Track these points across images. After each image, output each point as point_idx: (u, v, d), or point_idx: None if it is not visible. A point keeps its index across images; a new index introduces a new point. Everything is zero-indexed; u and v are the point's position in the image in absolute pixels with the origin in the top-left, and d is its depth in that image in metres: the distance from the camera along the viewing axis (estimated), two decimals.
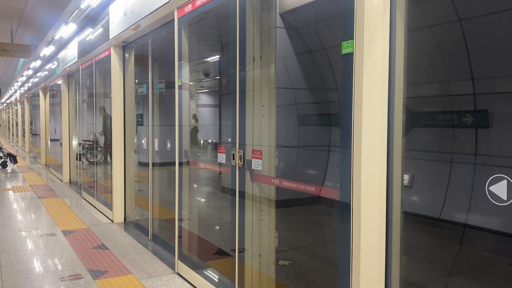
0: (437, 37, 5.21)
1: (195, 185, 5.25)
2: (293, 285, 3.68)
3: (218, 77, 10.18)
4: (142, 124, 5.95)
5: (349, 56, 2.15)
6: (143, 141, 5.61)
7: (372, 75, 2.11)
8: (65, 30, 7.99)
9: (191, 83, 6.09)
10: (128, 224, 6.08)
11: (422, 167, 5.51)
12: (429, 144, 5.48)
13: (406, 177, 5.89)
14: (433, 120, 5.68)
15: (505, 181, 1.75)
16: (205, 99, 18.92)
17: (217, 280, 3.51)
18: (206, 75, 11.80)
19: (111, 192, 6.27)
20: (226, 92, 3.72)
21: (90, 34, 7.28)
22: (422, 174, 5.57)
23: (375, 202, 2.13)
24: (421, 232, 5.07)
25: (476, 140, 5.07)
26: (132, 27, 5.01)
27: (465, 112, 5.42)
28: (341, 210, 2.24)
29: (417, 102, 5.50)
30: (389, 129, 2.16)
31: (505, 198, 1.75)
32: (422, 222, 5.30)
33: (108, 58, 6.31)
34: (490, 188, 1.80)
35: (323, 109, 6.19)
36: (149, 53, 5.31)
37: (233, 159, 3.14)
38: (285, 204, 5.30)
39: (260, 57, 3.15)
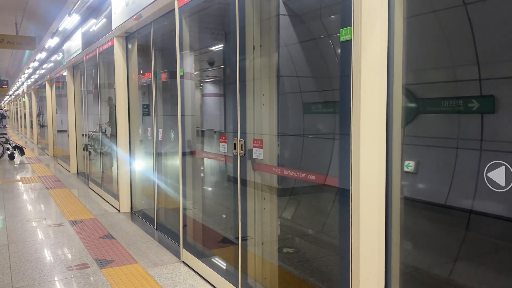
0: (442, 22, 5.14)
1: (201, 175, 5.27)
2: (297, 272, 3.71)
3: (222, 66, 10.15)
4: (148, 114, 5.97)
5: (348, 43, 2.14)
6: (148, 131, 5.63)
7: (370, 62, 2.10)
8: (69, 21, 8.00)
9: (196, 73, 6.08)
10: (134, 213, 6.14)
11: (428, 154, 5.48)
12: (435, 130, 5.45)
13: (411, 163, 5.87)
14: (439, 106, 5.63)
15: (503, 167, 1.74)
16: (210, 88, 18.91)
17: (221, 268, 3.55)
18: (211, 64, 11.77)
19: (118, 182, 6.32)
20: (229, 81, 3.72)
21: (94, 25, 7.29)
22: (427, 160, 5.54)
23: (374, 189, 2.13)
24: (427, 219, 5.06)
25: (482, 125, 5.02)
26: (134, 17, 5.00)
27: (471, 97, 5.36)
28: (345, 198, 2.24)
29: (423, 88, 5.46)
30: (388, 116, 2.15)
31: (503, 184, 1.74)
32: (428, 209, 5.29)
33: (111, 49, 6.31)
34: (489, 174, 1.79)
35: (328, 96, 6.16)
36: (151, 43, 5.30)
37: (235, 149, 3.15)
38: (290, 192, 5.31)
39: (261, 46, 3.14)
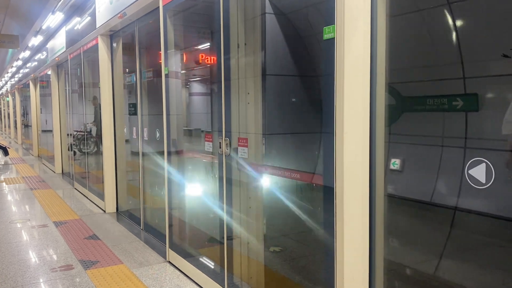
0: (426, 21, 5.18)
1: (188, 174, 5.24)
2: (283, 271, 3.71)
3: (209, 65, 10.11)
4: (135, 114, 5.92)
5: (331, 42, 2.14)
6: (134, 131, 5.58)
7: (354, 60, 2.10)
8: (52, 19, 7.89)
9: (182, 72, 6.02)
10: (120, 214, 6.08)
11: (413, 152, 5.52)
12: (420, 129, 5.49)
13: (397, 161, 5.91)
14: (424, 104, 5.68)
15: (483, 165, 1.75)
16: (197, 87, 18.83)
17: (207, 268, 3.53)
18: (198, 63, 11.73)
19: (103, 182, 6.25)
20: (215, 80, 3.71)
21: (78, 23, 7.19)
22: (413, 158, 5.59)
23: (358, 187, 2.13)
24: (412, 216, 5.11)
25: (466, 123, 5.08)
26: (118, 15, 4.95)
27: (455, 96, 5.41)
28: (329, 196, 2.24)
29: (408, 86, 5.49)
30: (371, 115, 2.16)
31: (483, 181, 1.76)
32: (414, 206, 5.34)
33: (96, 47, 6.24)
34: (470, 171, 1.81)
35: (315, 95, 6.17)
36: (136, 41, 5.25)
37: (220, 147, 3.14)
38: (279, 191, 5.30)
39: (245, 44, 3.12)
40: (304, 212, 4.85)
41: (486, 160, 1.74)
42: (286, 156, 5.24)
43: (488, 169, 1.75)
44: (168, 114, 4.02)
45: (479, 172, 1.79)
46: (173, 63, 4.14)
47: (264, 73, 5.14)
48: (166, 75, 3.98)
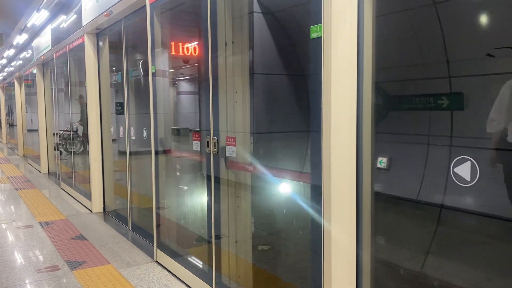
0: (412, 21, 5.22)
1: (175, 173, 5.22)
2: (271, 270, 3.72)
3: (197, 64, 10.07)
4: (122, 113, 5.87)
5: (318, 40, 2.14)
6: (120, 130, 5.54)
7: (340, 59, 2.11)
8: (37, 17, 7.78)
9: (170, 70, 5.99)
10: (107, 214, 6.03)
11: (400, 150, 5.57)
12: (407, 127, 5.54)
13: (384, 159, 5.96)
14: (411, 103, 5.72)
15: (468, 163, 1.77)
16: (186, 86, 18.74)
17: (195, 267, 3.52)
18: (186, 61, 11.67)
19: (90, 182, 6.19)
20: (203, 79, 3.70)
21: (63, 21, 7.11)
22: (400, 156, 5.63)
23: (345, 185, 2.14)
24: (399, 214, 5.15)
25: (452, 122, 5.13)
26: (105, 13, 4.90)
27: (441, 95, 5.47)
28: (316, 194, 2.25)
29: (395, 85, 5.53)
30: (358, 113, 2.17)
31: (468, 179, 1.78)
32: (401, 204, 5.39)
33: (82, 46, 6.17)
34: (455, 169, 1.83)
35: (303, 94, 6.18)
36: (123, 40, 5.21)
37: (208, 146, 3.13)
38: (269, 189, 5.30)
39: (233, 42, 3.12)
40: (292, 211, 4.86)
41: (470, 158, 1.77)
42: (274, 155, 5.24)
43: (473, 167, 1.78)
44: (155, 113, 4.00)
45: (464, 170, 1.82)
46: (160, 61, 4.12)
47: (252, 72, 5.14)
48: (153, 74, 3.96)
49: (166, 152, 4.37)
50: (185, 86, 18.42)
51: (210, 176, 3.14)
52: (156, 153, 4.07)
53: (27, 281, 3.65)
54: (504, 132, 3.37)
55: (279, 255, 4.08)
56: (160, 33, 4.01)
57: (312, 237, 2.27)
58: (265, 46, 5.81)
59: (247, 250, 3.29)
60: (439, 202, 4.58)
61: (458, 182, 1.80)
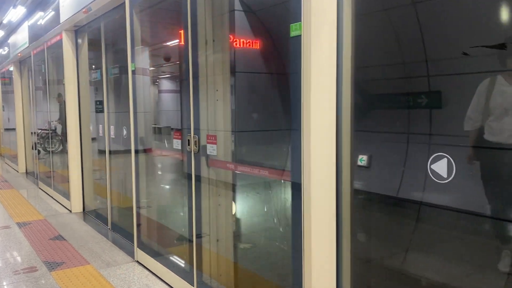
0: (392, 20, 5.28)
1: (157, 172, 5.17)
2: (253, 268, 3.72)
3: (178, 62, 10.00)
4: (102, 111, 5.79)
5: (297, 39, 2.15)
6: (99, 128, 5.46)
7: (320, 57, 2.12)
8: (14, 13, 7.62)
9: (151, 68, 5.91)
10: (87, 213, 5.95)
11: (380, 148, 5.64)
12: (387, 126, 5.61)
13: (364, 157, 6.01)
14: (391, 102, 5.79)
15: (445, 159, 1.80)
16: (167, 84, 18.60)
17: (176, 266, 3.50)
18: (167, 59, 11.56)
19: (69, 181, 6.10)
20: (185, 77, 3.68)
21: (41, 18, 6.97)
22: (380, 154, 5.70)
23: (325, 182, 2.16)
24: (379, 211, 5.22)
25: (431, 120, 5.22)
26: (83, 10, 4.82)
27: (420, 93, 5.55)
28: (297, 191, 2.26)
29: (374, 84, 5.59)
30: (338, 112, 2.18)
31: (445, 175, 1.81)
32: (381, 201, 5.46)
33: (60, 43, 6.06)
34: (432, 166, 1.86)
35: (285, 92, 6.19)
36: (102, 37, 5.14)
37: (188, 145, 3.11)
38: (249, 188, 5.30)
39: (213, 40, 3.10)
40: (274, 209, 4.87)
41: (447, 155, 1.80)
42: (256, 153, 5.24)
43: (449, 164, 1.81)
44: (135, 112, 3.95)
45: (440, 167, 1.85)
46: (140, 59, 4.08)
47: (233, 70, 5.12)
48: (133, 72, 3.91)
49: (147, 151, 4.33)
50: (166, 84, 18.28)
51: (191, 174, 3.13)
52: (136, 152, 4.03)
53: (4, 283, 3.57)
54: (481, 130, 3.44)
55: (261, 253, 4.09)
56: (139, 31, 3.97)
57: (292, 234, 2.28)
58: (247, 44, 5.79)
59: (229, 248, 3.29)
60: (418, 199, 4.65)
61: (435, 179, 1.82)
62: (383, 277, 3.56)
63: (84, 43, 5.84)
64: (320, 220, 2.15)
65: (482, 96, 3.44)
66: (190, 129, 3.10)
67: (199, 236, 3.15)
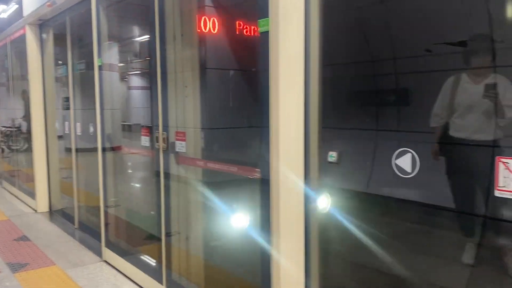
0: (361, 18, 5.35)
1: (126, 170, 5.08)
2: (224, 265, 3.70)
3: (148, 58, 9.86)
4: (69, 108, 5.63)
5: (265, 35, 2.14)
6: (65, 125, 5.32)
7: (288, 54, 2.11)
8: None
9: (120, 64, 5.80)
10: (53, 213, 5.79)
11: (350, 145, 5.72)
12: (357, 122, 5.69)
13: (334, 154, 6.08)
14: (360, 99, 5.88)
15: (409, 155, 1.83)
16: (138, 81, 18.29)
17: (145, 265, 3.45)
18: (136, 56, 11.35)
19: (34, 180, 5.92)
20: (153, 73, 3.63)
21: (3, 11, 6.72)
22: (349, 151, 5.78)
23: (293, 179, 2.16)
24: (349, 206, 5.28)
25: (398, 117, 5.33)
26: (47, 3, 4.68)
27: (388, 91, 5.65)
28: (265, 188, 2.25)
29: (343, 81, 5.66)
30: (306, 109, 2.19)
31: (409, 170, 1.84)
32: (351, 197, 5.53)
33: (24, 38, 5.86)
34: (396, 161, 1.89)
35: (256, 88, 6.19)
36: (67, 31, 5.00)
37: (157, 142, 3.06)
38: (223, 186, 5.27)
39: (182, 35, 3.06)
40: (244, 205, 4.86)
41: (411, 151, 1.83)
42: (226, 150, 5.22)
43: (413, 159, 1.84)
44: (102, 108, 3.87)
45: (404, 162, 1.88)
46: (108, 55, 3.99)
47: (204, 66, 5.07)
48: (100, 67, 3.82)
49: (116, 149, 4.25)
50: (137, 81, 17.98)
51: (160, 172, 3.08)
52: (103, 150, 3.94)
53: None
54: (446, 126, 3.53)
55: (232, 250, 4.07)
56: (106, 26, 3.88)
57: (261, 230, 2.28)
58: (218, 40, 5.74)
59: (198, 246, 3.27)
60: (386, 193, 4.74)
61: (399, 174, 1.85)
62: (349, 271, 3.60)
63: (49, 37, 5.67)
64: (288, 216, 2.15)
65: (447, 93, 3.53)
66: (159, 125, 3.05)
67: (168, 234, 3.11)
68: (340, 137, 5.69)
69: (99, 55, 3.82)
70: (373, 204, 4.90)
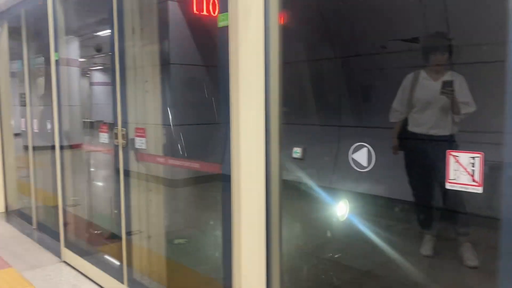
0: (323, 16, 5.41)
1: (86, 168, 4.95)
2: (187, 262, 3.67)
3: (110, 53, 9.64)
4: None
5: (225, 30, 2.12)
6: (22, 123, 5.13)
7: (247, 49, 2.10)
8: None
9: (81, 60, 5.62)
10: (10, 213, 5.57)
11: (314, 141, 5.79)
12: (321, 119, 5.76)
13: (299, 150, 6.13)
14: (324, 96, 5.96)
15: (365, 149, 1.87)
16: (100, 76, 17.86)
17: (105, 265, 3.37)
18: (98, 50, 11.04)
19: None
20: (111, 67, 3.54)
21: None
22: (314, 147, 5.85)
23: (254, 174, 2.16)
24: (314, 202, 5.36)
25: (361, 113, 5.43)
26: None
27: (348, 87, 5.75)
28: (227, 184, 2.24)
29: (304, 79, 5.72)
30: (266, 105, 2.18)
31: (365, 164, 1.87)
32: (315, 192, 5.60)
33: None
34: (353, 156, 1.92)
35: (220, 84, 6.15)
36: (23, 24, 4.81)
37: (116, 138, 2.99)
38: (186, 183, 5.23)
39: (141, 29, 3.00)
40: (210, 202, 4.84)
41: (367, 145, 1.86)
42: (188, 146, 5.17)
43: (369, 153, 1.87)
44: (59, 105, 3.74)
45: (361, 156, 1.91)
46: (68, 49, 3.87)
47: (165, 61, 5.00)
48: (57, 62, 3.69)
49: (76, 146, 4.13)
50: (100, 77, 17.55)
51: (119, 169, 3.02)
52: (61, 147, 3.82)
53: None
54: (405, 121, 3.63)
55: (195, 247, 4.05)
56: (64, 18, 3.75)
57: (223, 227, 2.27)
58: (181, 35, 5.68)
59: (161, 244, 3.22)
60: (349, 188, 4.83)
61: (356, 168, 1.88)
62: (311, 265, 3.64)
63: (4, 31, 5.43)
64: (249, 211, 2.15)
65: (407, 89, 3.62)
66: (117, 121, 2.98)
67: (129, 233, 3.05)
68: (304, 132, 5.75)
69: (56, 49, 3.70)
70: (337, 198, 4.98)
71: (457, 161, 1.45)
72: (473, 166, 1.40)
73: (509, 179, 1.30)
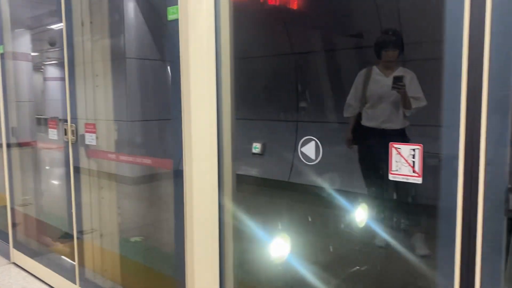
0: (269, 11, 5.44)
1: (38, 166, 4.78)
2: (143, 260, 3.62)
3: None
4: None
5: (175, 23, 2.09)
6: None
7: (198, 43, 2.08)
8: None
9: (33, 54, 5.41)
10: None
11: (274, 136, 5.84)
12: (279, 115, 5.82)
13: (258, 145, 6.17)
14: (281, 92, 6.01)
15: (313, 142, 1.90)
16: (55, 72, 17.22)
17: (56, 265, 3.27)
18: (52, 44, 10.63)
19: None
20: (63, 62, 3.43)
21: None
22: (273, 142, 5.90)
23: (206, 170, 2.15)
24: (272, 195, 5.40)
25: (316, 110, 5.52)
26: None
27: (302, 84, 5.83)
28: (179, 179, 2.22)
29: (258, 75, 5.74)
30: (218, 100, 2.17)
31: (313, 157, 1.90)
32: (275, 186, 5.66)
33: None
34: (302, 149, 1.94)
35: (172, 80, 6.09)
36: None
37: (65, 134, 2.89)
38: (142, 180, 5.14)
39: (91, 23, 2.91)
40: (167, 200, 4.78)
41: (314, 138, 1.89)
42: (142, 142, 5.08)
43: (316, 146, 1.91)
44: (5, 100, 3.59)
45: (309, 149, 1.94)
46: (18, 43, 3.72)
47: (115, 55, 4.88)
48: (2, 55, 3.53)
49: (27, 144, 3.98)
50: (54, 71, 16.92)
51: (69, 166, 2.93)
52: (8, 145, 3.67)
53: None
54: (359, 116, 3.72)
55: (152, 245, 3.99)
56: (8, 9, 3.58)
57: (175, 223, 2.25)
58: (135, 29, 5.56)
59: (115, 242, 3.16)
60: (304, 182, 4.90)
61: (304, 161, 1.91)
62: (263, 259, 3.67)
63: None
64: (202, 208, 2.14)
65: (360, 85, 3.71)
66: (67, 117, 2.89)
67: (80, 231, 2.96)
68: (264, 129, 5.77)
69: (1, 42, 3.53)
70: (293, 192, 5.03)
71: (399, 153, 1.50)
72: (413, 158, 1.45)
73: (445, 169, 1.36)
